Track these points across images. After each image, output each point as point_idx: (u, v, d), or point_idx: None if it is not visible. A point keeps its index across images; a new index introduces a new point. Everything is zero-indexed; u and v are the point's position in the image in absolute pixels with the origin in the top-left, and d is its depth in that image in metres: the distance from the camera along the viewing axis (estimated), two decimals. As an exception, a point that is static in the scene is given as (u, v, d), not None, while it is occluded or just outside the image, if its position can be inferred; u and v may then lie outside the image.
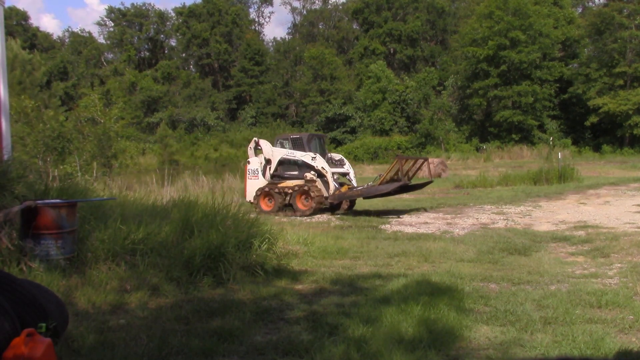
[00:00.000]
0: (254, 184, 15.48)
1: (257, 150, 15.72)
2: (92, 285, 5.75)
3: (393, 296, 6.05)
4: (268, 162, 15.33)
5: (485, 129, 44.23)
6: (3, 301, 3.59)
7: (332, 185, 14.50)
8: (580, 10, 54.92)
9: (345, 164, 15.55)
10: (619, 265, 7.90)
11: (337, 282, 7.05)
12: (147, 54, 67.70)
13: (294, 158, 15.01)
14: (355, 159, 39.11)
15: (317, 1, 70.77)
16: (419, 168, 15.33)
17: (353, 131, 49.19)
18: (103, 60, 65.37)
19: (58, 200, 6.31)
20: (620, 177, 22.82)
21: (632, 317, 5.35)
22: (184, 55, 66.48)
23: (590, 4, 56.40)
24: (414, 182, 15.15)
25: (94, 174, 15.49)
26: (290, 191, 14.75)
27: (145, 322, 5.13)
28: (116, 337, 4.67)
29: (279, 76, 60.55)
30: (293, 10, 72.41)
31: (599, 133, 42.20)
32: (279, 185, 15.06)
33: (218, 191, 15.82)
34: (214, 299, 5.92)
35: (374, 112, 47.87)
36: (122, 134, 22.20)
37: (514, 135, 41.91)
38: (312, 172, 14.69)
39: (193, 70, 65.42)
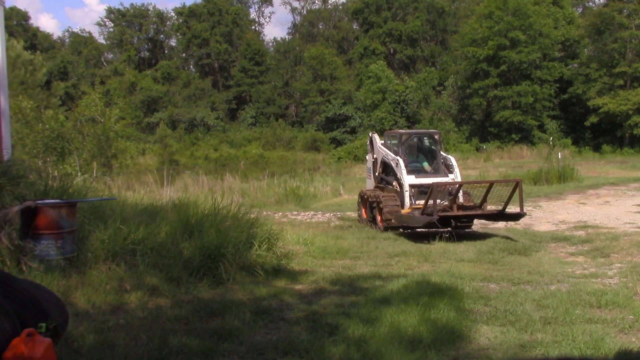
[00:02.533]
0: (368, 184, 13.48)
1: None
2: (92, 285, 5.75)
3: (393, 296, 6.05)
4: (376, 161, 12.95)
5: (485, 129, 44.22)
6: (3, 301, 3.59)
7: (407, 200, 11.18)
8: (580, 10, 54.89)
9: (454, 171, 11.76)
10: (619, 265, 7.90)
11: (337, 282, 7.04)
12: (147, 54, 67.64)
13: (388, 161, 12.20)
14: (355, 159, 39.09)
15: (317, 1, 70.79)
16: (511, 195, 10.75)
17: (353, 131, 49.15)
18: (103, 60, 65.35)
19: (58, 200, 6.31)
20: (620, 177, 22.81)
21: (632, 317, 5.35)
22: (184, 55, 66.43)
23: (590, 4, 56.41)
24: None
25: (94, 174, 15.47)
26: (375, 200, 11.96)
27: (145, 322, 5.13)
28: (116, 337, 4.67)
29: (279, 76, 60.50)
30: (293, 10, 72.44)
31: (599, 133, 42.18)
32: (373, 192, 12.51)
33: (218, 191, 15.79)
34: (213, 299, 5.92)
35: (374, 112, 47.84)
36: (122, 134, 22.18)
37: (514, 135, 41.91)
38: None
39: (193, 70, 65.35)
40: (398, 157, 11.71)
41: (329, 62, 54.10)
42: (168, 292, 6.01)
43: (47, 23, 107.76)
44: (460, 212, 10.84)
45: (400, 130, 13.16)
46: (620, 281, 6.89)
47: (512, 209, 11.47)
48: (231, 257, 6.86)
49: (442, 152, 12.32)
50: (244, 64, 59.01)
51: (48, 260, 5.80)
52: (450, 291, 6.17)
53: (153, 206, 9.01)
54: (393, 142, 12.53)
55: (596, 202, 15.58)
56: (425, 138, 12.89)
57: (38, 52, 45.14)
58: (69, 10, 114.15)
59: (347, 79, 55.93)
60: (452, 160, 12.04)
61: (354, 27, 64.79)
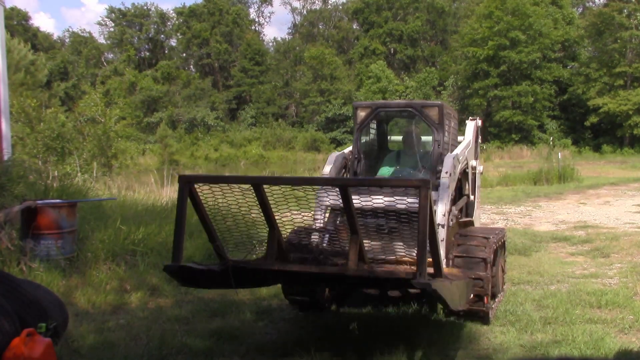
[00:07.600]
0: None
1: None
2: (92, 285, 5.75)
3: (393, 296, 6.04)
4: None
5: (485, 129, 44.20)
6: (3, 301, 3.59)
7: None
8: (580, 10, 54.90)
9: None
10: (619, 265, 7.89)
11: (337, 282, 7.03)
12: (147, 54, 67.63)
13: None
14: (355, 159, 39.03)
15: (317, 1, 70.78)
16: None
17: (353, 131, 49.11)
18: (103, 60, 65.35)
19: (58, 200, 6.31)
20: (620, 177, 22.80)
21: (632, 317, 5.35)
22: (184, 55, 66.44)
23: (590, 4, 56.41)
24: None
25: (94, 174, 15.46)
26: None
27: (145, 322, 5.13)
28: (116, 337, 4.67)
29: (279, 76, 60.47)
30: (293, 10, 72.43)
31: (599, 133, 42.19)
32: None
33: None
34: (213, 299, 5.92)
35: (374, 112, 47.78)
36: (123, 134, 22.14)
37: (514, 135, 41.93)
38: None
39: (193, 70, 65.35)
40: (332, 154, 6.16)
41: (329, 62, 54.08)
42: (168, 292, 6.01)
43: (44, 23, 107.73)
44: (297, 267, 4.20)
45: (359, 103, 6.38)
46: (620, 281, 6.88)
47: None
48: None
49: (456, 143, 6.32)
50: (244, 64, 59.02)
51: (48, 260, 5.81)
52: (450, 291, 6.17)
53: (153, 206, 9.01)
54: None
55: (596, 202, 15.57)
56: (405, 117, 6.39)
57: (41, 52, 45.10)
58: (66, 10, 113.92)
59: (347, 79, 55.90)
60: (448, 160, 5.26)
61: (354, 27, 64.79)
